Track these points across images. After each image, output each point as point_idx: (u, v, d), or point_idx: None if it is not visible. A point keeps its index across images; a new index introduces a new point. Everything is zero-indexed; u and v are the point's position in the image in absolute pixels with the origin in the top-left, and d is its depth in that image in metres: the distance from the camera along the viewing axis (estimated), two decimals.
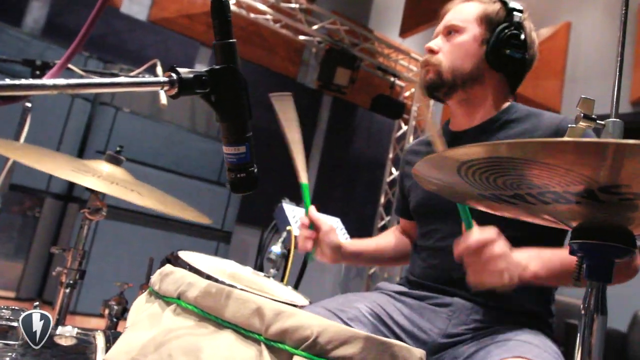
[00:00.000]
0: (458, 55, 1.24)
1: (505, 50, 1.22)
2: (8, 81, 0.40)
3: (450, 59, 1.24)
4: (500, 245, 0.93)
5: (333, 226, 1.34)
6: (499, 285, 0.93)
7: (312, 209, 1.34)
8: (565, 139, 0.48)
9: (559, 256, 1.03)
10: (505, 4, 1.26)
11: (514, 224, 0.88)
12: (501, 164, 0.54)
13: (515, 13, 1.25)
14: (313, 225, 1.33)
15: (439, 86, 1.25)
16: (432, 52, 1.27)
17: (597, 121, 0.56)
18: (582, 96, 0.58)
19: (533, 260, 0.99)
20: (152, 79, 0.54)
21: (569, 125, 0.57)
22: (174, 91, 0.56)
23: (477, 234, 0.94)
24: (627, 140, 0.46)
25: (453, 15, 1.29)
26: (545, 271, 1.00)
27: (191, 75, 0.58)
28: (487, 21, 1.25)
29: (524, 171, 0.54)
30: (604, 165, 0.48)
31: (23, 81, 0.41)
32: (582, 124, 0.56)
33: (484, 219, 0.94)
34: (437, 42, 1.28)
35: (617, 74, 0.56)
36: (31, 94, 0.43)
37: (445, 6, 1.34)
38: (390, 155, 6.13)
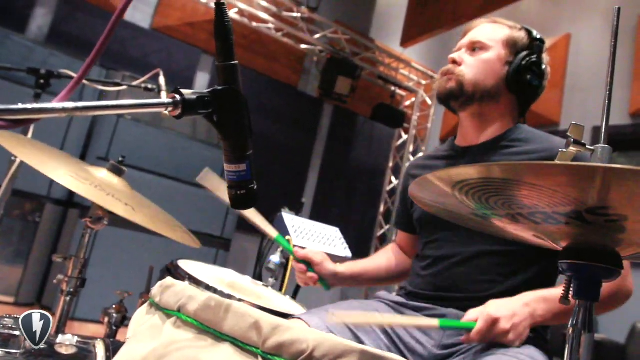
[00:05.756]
0: (482, 70, 1.28)
1: (526, 76, 1.27)
2: (20, 105, 0.42)
3: (474, 72, 1.28)
4: (504, 321, 1.01)
5: (324, 254, 1.39)
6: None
7: (296, 250, 1.40)
8: (554, 162, 0.50)
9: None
10: (529, 33, 1.32)
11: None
12: (493, 185, 0.56)
13: (538, 43, 1.31)
14: (307, 263, 1.38)
15: (457, 96, 1.29)
16: (454, 63, 1.31)
17: (587, 146, 0.58)
18: (572, 122, 0.60)
19: (537, 304, 1.06)
20: (157, 100, 0.56)
21: (560, 150, 0.60)
22: (178, 112, 0.58)
23: (480, 322, 1.01)
24: (613, 165, 0.48)
25: (480, 33, 1.33)
26: (550, 313, 1.07)
27: (194, 97, 0.60)
28: (512, 45, 1.30)
29: (514, 192, 0.56)
30: (591, 188, 0.50)
31: (34, 105, 0.43)
32: (572, 148, 0.58)
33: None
34: (460, 55, 1.32)
35: (606, 101, 0.58)
36: (41, 118, 0.44)
37: (470, 23, 1.38)
38: (390, 164, 6.15)
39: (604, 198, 0.51)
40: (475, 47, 1.31)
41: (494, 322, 1.00)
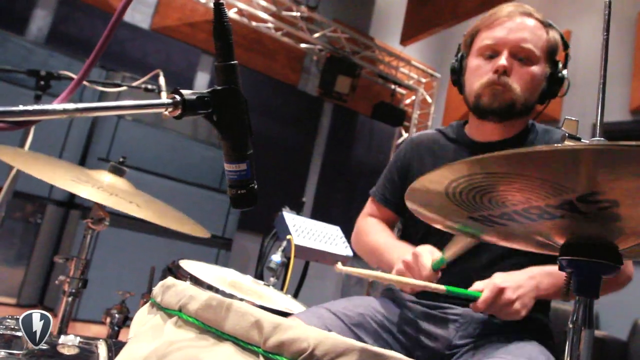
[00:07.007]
0: (532, 87, 1.23)
1: (557, 89, 1.27)
2: (21, 107, 0.42)
3: (525, 89, 1.21)
4: (510, 291, 1.03)
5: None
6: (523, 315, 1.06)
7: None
8: (535, 148, 0.48)
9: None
10: (562, 36, 1.29)
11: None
12: (483, 180, 0.55)
13: (567, 51, 1.29)
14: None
15: (509, 113, 1.23)
16: (505, 72, 1.20)
17: (582, 140, 0.58)
18: (566, 117, 0.60)
19: (543, 278, 1.08)
20: (157, 101, 0.56)
21: (555, 145, 0.60)
22: (178, 112, 0.59)
23: (487, 292, 1.03)
24: (594, 144, 0.47)
25: (525, 36, 1.22)
26: (554, 287, 1.09)
27: (194, 97, 0.60)
28: (551, 54, 1.25)
29: (505, 185, 0.55)
30: (577, 173, 0.49)
31: (34, 107, 0.44)
32: (568, 143, 0.58)
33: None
34: (510, 62, 1.21)
35: (600, 95, 0.58)
36: (42, 119, 0.45)
37: (497, 9, 1.26)
38: None
39: (592, 183, 0.50)
40: (522, 56, 1.21)
41: (500, 291, 1.03)
